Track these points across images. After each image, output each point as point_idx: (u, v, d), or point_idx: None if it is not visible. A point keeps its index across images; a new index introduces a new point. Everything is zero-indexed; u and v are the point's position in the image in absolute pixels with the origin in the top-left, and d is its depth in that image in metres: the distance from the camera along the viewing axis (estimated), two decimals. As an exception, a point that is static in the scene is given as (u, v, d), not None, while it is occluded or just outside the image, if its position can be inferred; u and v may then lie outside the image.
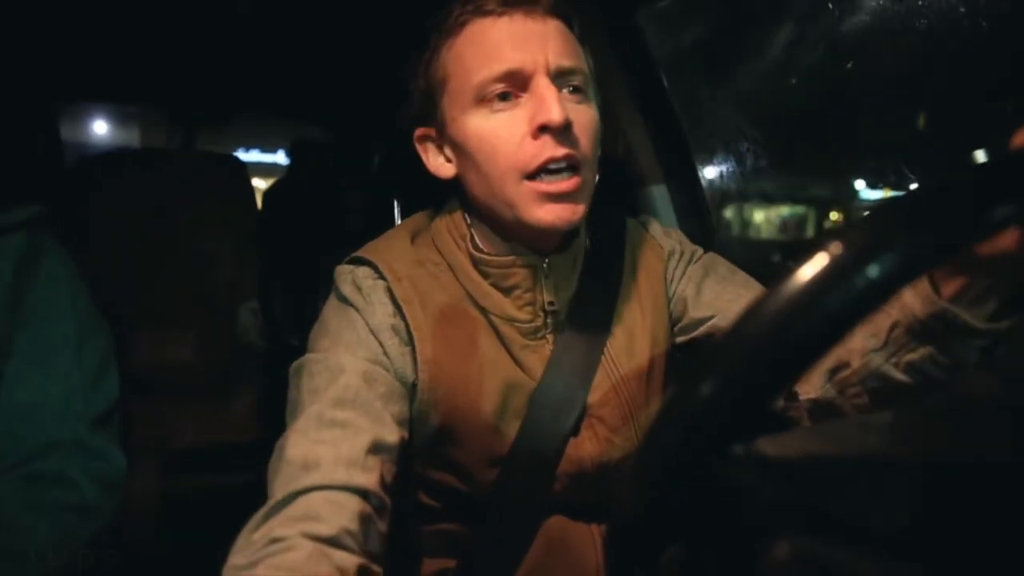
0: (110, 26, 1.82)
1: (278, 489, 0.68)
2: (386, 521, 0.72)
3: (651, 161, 1.48)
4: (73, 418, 1.01)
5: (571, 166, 0.79)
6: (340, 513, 0.66)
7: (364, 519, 0.68)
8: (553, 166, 0.78)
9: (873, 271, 0.31)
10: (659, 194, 1.48)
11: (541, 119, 0.77)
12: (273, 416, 0.86)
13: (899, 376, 0.69)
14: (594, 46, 0.89)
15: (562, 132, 0.77)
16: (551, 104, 0.76)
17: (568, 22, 0.83)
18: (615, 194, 1.70)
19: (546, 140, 0.78)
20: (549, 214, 0.80)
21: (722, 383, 0.34)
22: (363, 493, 0.69)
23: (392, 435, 0.75)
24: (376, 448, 0.73)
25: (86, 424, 1.01)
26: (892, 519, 0.32)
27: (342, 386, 0.76)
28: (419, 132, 0.90)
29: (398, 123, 0.93)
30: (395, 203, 2.69)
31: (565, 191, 0.79)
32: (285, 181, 2.77)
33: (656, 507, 0.35)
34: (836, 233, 0.33)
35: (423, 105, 0.87)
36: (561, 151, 0.78)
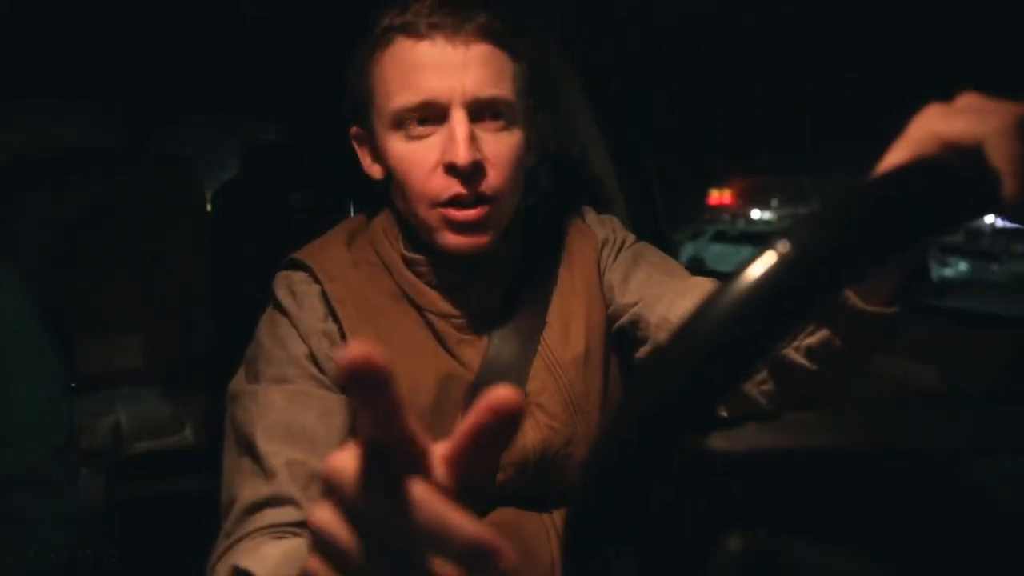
0: (52, 21, 1.76)
1: (231, 529, 0.73)
2: None
3: (603, 159, 1.51)
4: (35, 450, 0.97)
5: (479, 200, 0.81)
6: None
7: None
8: (461, 200, 0.80)
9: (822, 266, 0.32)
10: (611, 189, 1.51)
11: (448, 158, 0.78)
12: (224, 422, 0.84)
13: (800, 361, 0.70)
14: (544, 54, 0.88)
15: (470, 171, 0.79)
16: (459, 145, 0.77)
17: (498, 44, 0.82)
18: (567, 190, 1.73)
19: (454, 177, 0.79)
20: (456, 241, 0.82)
21: (678, 375, 0.34)
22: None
23: (334, 447, 0.77)
24: (316, 472, 0.76)
25: (48, 456, 0.97)
26: (846, 512, 0.32)
27: (271, 423, 0.78)
28: (355, 131, 0.91)
29: (345, 115, 0.92)
30: (351, 203, 2.65)
31: (471, 220, 0.81)
32: (235, 181, 2.71)
33: (610, 500, 0.35)
34: (789, 231, 0.34)
35: (357, 107, 0.88)
36: (468, 189, 0.79)
